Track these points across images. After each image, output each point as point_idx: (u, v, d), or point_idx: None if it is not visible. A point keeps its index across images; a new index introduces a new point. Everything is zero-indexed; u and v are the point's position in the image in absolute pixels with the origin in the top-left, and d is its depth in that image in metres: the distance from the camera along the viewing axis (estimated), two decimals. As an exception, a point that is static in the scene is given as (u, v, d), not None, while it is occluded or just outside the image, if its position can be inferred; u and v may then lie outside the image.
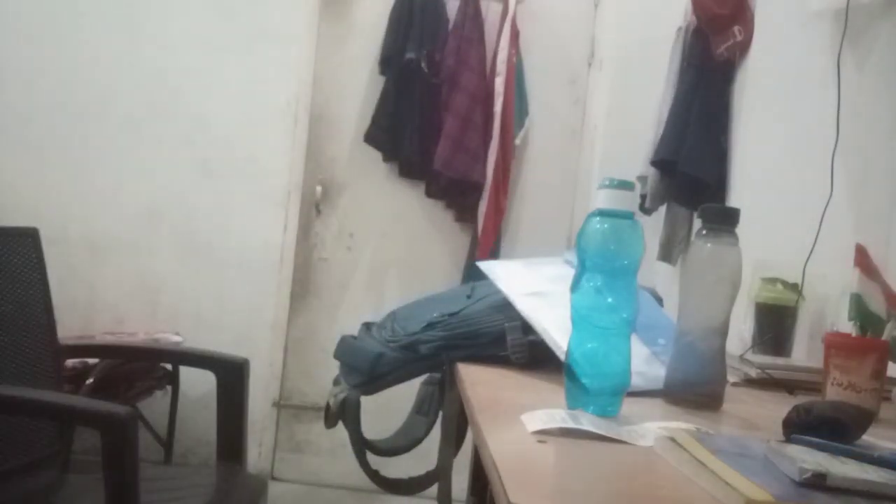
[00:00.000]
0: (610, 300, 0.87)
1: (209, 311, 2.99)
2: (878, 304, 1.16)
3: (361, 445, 1.21)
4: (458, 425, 1.29)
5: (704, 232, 0.95)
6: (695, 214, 2.12)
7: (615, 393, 0.87)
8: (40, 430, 1.58)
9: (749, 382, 1.17)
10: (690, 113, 2.00)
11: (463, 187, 3.04)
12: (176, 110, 2.91)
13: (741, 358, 1.22)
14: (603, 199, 0.89)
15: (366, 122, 3.09)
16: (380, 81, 3.07)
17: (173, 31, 2.96)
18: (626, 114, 2.74)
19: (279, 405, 3.09)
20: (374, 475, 1.32)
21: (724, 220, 0.94)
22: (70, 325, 1.71)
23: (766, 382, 1.15)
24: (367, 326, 1.38)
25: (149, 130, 2.90)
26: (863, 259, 1.21)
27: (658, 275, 2.15)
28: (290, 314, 3.12)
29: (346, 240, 3.19)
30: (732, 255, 0.94)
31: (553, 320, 1.09)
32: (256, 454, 3.01)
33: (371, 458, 1.29)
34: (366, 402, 1.27)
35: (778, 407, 0.94)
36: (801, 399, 0.97)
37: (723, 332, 0.96)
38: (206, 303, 2.99)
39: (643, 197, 2.19)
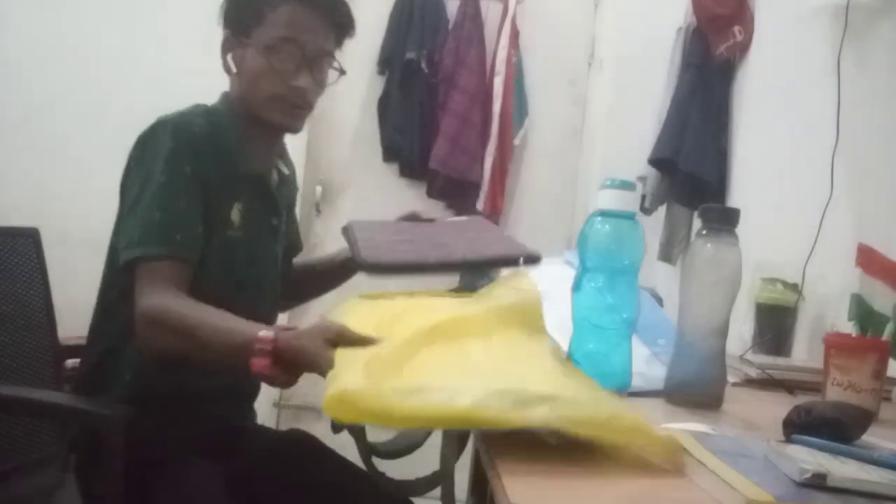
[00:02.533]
0: (611, 300, 0.87)
1: (209, 311, 2.98)
2: (882, 302, 1.15)
3: (368, 450, 1.21)
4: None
5: (705, 232, 0.95)
6: (695, 214, 2.12)
7: (615, 393, 0.87)
8: (40, 430, 1.58)
9: (749, 382, 1.17)
10: (690, 113, 2.00)
11: (462, 187, 3.04)
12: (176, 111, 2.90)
13: (741, 358, 1.23)
14: (604, 199, 0.89)
15: (366, 123, 3.08)
16: (380, 81, 3.07)
17: (173, 31, 2.96)
18: (626, 114, 2.74)
19: (280, 405, 3.09)
20: (380, 477, 1.32)
21: (724, 221, 0.94)
22: (70, 325, 1.71)
23: (766, 382, 1.15)
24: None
25: (149, 130, 2.89)
26: (867, 257, 1.21)
27: (658, 275, 2.15)
28: (291, 314, 3.11)
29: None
30: (732, 256, 0.94)
31: (553, 321, 1.09)
32: (256, 454, 3.00)
33: (375, 459, 1.29)
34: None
35: (778, 407, 0.94)
36: (802, 399, 0.97)
37: (723, 332, 0.96)
38: (206, 303, 2.98)
39: (643, 197, 2.20)
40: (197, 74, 3.08)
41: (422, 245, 1.25)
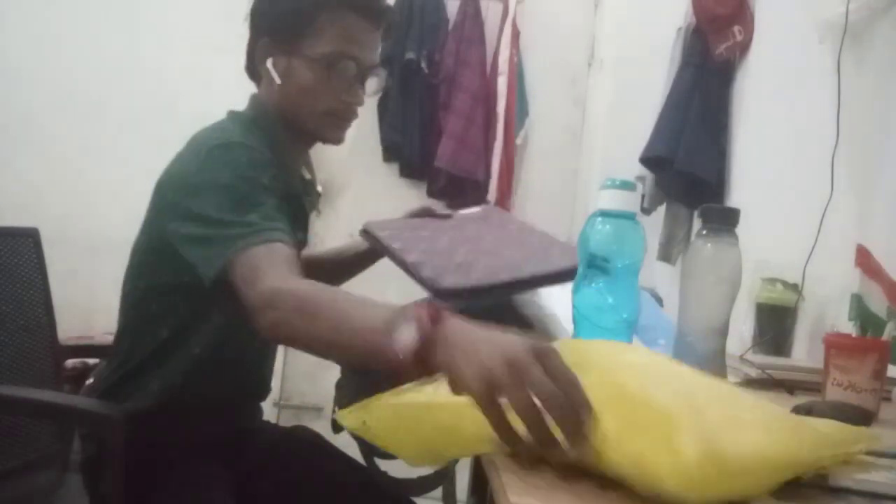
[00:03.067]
0: (611, 301, 0.87)
1: (209, 311, 2.98)
2: (878, 305, 1.16)
3: (370, 450, 1.21)
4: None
5: (704, 232, 0.95)
6: (694, 214, 2.12)
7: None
8: (40, 430, 1.58)
9: (749, 383, 1.17)
10: (689, 112, 2.00)
11: (463, 187, 3.04)
12: (176, 110, 2.91)
13: (741, 358, 1.22)
14: (605, 199, 0.89)
15: (366, 122, 3.09)
16: (380, 81, 3.07)
17: (173, 31, 2.96)
18: (626, 114, 2.75)
19: (280, 405, 3.09)
20: (382, 476, 1.33)
21: (724, 221, 0.94)
22: (70, 325, 1.71)
23: (766, 383, 1.15)
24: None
25: (149, 130, 2.90)
26: (864, 259, 1.21)
27: (657, 275, 2.15)
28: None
29: (346, 240, 3.19)
30: (732, 256, 0.93)
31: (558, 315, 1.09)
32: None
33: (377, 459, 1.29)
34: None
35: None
36: (801, 399, 0.97)
37: (723, 332, 0.96)
38: (206, 303, 2.98)
39: (642, 197, 2.20)
40: (197, 74, 3.09)
41: (481, 256, 1.16)
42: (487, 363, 0.61)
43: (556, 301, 1.08)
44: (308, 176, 1.37)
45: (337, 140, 1.28)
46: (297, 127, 1.24)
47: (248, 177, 1.08)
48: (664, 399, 0.59)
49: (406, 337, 0.71)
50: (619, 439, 0.57)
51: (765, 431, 0.59)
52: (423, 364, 0.69)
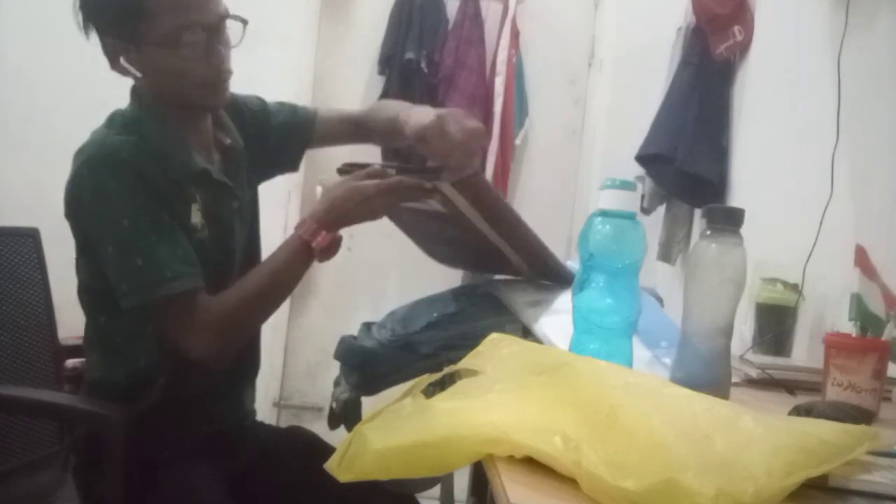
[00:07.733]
0: (611, 301, 0.87)
1: (209, 311, 2.98)
2: (877, 305, 1.16)
3: None
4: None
5: (709, 232, 0.95)
6: (694, 214, 2.12)
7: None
8: (40, 430, 1.58)
9: (749, 382, 1.17)
10: (689, 112, 2.00)
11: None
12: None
13: (741, 358, 1.22)
14: (605, 199, 0.89)
15: (365, 122, 3.08)
16: (380, 81, 3.07)
17: (173, 31, 2.95)
18: (626, 114, 2.74)
19: (279, 405, 3.09)
20: None
21: (728, 221, 0.94)
22: (70, 325, 1.70)
23: (767, 382, 1.15)
24: (368, 326, 1.38)
25: (149, 130, 2.89)
26: (863, 259, 1.21)
27: (658, 275, 2.15)
28: (290, 314, 3.12)
29: (346, 240, 3.18)
30: (737, 256, 0.93)
31: (555, 325, 1.09)
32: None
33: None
34: (367, 402, 1.28)
35: (778, 407, 0.94)
36: (802, 399, 0.97)
37: (727, 332, 0.95)
38: (205, 303, 2.98)
39: (642, 197, 2.20)
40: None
41: None
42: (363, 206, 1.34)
43: (557, 304, 1.08)
44: (228, 141, 1.32)
45: (222, 104, 1.25)
46: (186, 106, 1.22)
47: (121, 203, 1.13)
48: (663, 430, 0.61)
49: (321, 240, 1.25)
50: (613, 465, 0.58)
51: (773, 454, 0.59)
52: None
